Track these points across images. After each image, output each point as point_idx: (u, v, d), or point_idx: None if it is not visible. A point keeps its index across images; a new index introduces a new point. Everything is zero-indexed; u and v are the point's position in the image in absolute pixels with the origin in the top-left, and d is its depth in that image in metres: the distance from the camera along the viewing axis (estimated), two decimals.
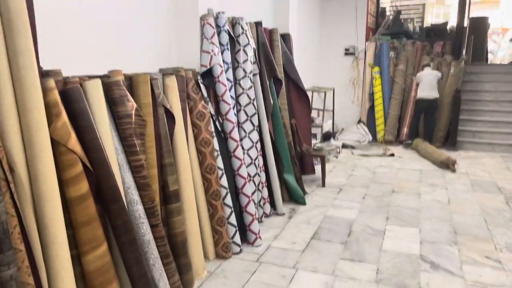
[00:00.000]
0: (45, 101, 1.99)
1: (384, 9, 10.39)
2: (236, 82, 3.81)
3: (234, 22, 3.89)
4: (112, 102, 2.46)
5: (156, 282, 2.46)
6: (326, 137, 7.50)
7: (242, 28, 3.87)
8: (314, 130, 7.08)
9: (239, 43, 3.85)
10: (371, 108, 8.42)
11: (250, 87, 3.87)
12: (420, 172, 6.02)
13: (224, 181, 3.40)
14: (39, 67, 2.08)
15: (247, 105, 3.82)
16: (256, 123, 3.89)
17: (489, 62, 10.85)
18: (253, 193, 3.76)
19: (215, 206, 3.30)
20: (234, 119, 3.60)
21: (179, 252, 2.83)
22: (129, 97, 2.52)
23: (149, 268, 2.44)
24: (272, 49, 4.76)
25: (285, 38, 5.23)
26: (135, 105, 2.54)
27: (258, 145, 3.96)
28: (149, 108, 2.69)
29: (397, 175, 5.83)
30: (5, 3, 1.81)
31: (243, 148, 3.75)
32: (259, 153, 3.98)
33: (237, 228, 3.45)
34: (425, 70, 7.49)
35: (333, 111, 8.19)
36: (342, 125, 8.68)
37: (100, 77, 2.46)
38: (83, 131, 2.18)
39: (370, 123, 8.38)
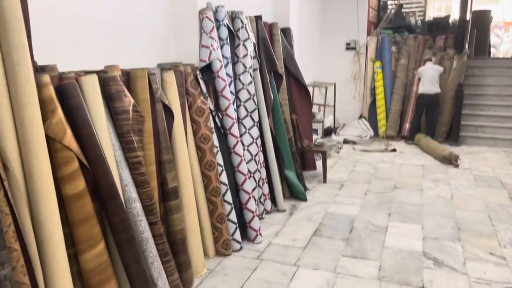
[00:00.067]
0: (40, 96, 1.94)
1: (385, 3, 10.30)
2: (235, 77, 3.76)
3: (233, 16, 3.84)
4: (109, 98, 2.42)
5: (155, 281, 2.42)
6: (327, 132, 7.46)
7: (242, 22, 3.81)
8: (315, 126, 7.04)
9: (238, 38, 3.79)
10: (373, 103, 8.36)
11: (250, 82, 3.81)
12: (423, 167, 5.97)
13: (224, 177, 3.36)
14: (34, 63, 2.04)
15: (247, 100, 3.77)
16: (256, 119, 3.84)
17: (491, 56, 10.76)
18: (253, 190, 3.72)
19: (215, 203, 3.26)
20: (234, 114, 3.55)
21: (178, 249, 2.79)
22: (126, 92, 2.47)
23: (148, 267, 2.40)
24: (272, 44, 4.70)
25: (286, 32, 5.17)
26: (132, 100, 2.49)
27: (259, 141, 3.92)
28: (147, 103, 2.64)
29: (399, 171, 5.78)
30: None
31: (243, 144, 3.71)
32: (259, 149, 3.93)
33: (237, 225, 3.41)
34: (427, 64, 7.41)
35: (334, 106, 8.12)
36: (343, 121, 8.63)
37: (97, 72, 2.41)
38: (79, 128, 2.13)
39: (372, 118, 8.33)
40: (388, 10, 9.65)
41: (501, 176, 5.46)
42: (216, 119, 3.46)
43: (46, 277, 1.91)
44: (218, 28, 3.58)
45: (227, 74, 3.60)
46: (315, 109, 7.57)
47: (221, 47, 3.58)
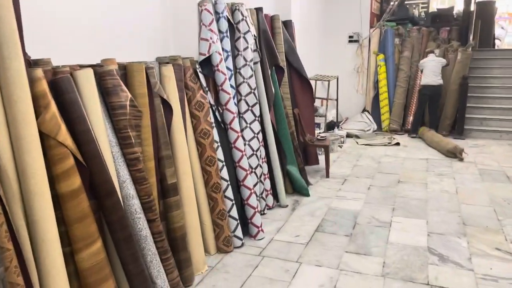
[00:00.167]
0: (33, 92, 1.89)
1: None
2: (236, 70, 3.69)
3: (233, 8, 3.76)
4: (105, 93, 2.36)
5: (154, 279, 2.38)
6: (330, 126, 7.39)
7: (242, 14, 3.73)
8: (317, 120, 6.98)
9: (239, 30, 3.72)
10: (376, 97, 8.28)
11: (251, 76, 3.74)
12: (427, 161, 5.89)
13: (224, 173, 3.30)
14: (27, 57, 1.98)
15: (248, 94, 3.70)
16: (257, 113, 3.78)
17: (496, 48, 10.62)
18: (254, 185, 3.66)
19: (216, 199, 3.21)
20: (234, 109, 3.48)
21: (178, 247, 2.74)
22: (123, 87, 2.41)
23: (147, 265, 2.36)
24: (273, 37, 4.62)
25: (287, 25, 5.09)
26: (129, 95, 2.43)
27: (260, 136, 3.85)
28: (145, 98, 2.58)
29: (403, 165, 5.71)
30: None
31: (244, 139, 3.64)
32: (261, 144, 3.87)
33: (238, 221, 3.36)
34: (429, 56, 7.35)
35: (337, 100, 8.05)
36: (346, 114, 8.56)
37: (93, 66, 2.35)
38: (74, 123, 2.08)
39: (375, 112, 8.25)
40: (391, 2, 9.51)
41: (507, 170, 5.38)
42: (216, 113, 3.40)
43: (41, 277, 1.86)
44: (217, 20, 3.50)
45: (227, 68, 3.53)
46: (317, 103, 7.50)
47: (221, 40, 3.50)
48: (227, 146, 3.46)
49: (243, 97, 3.69)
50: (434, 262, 3.09)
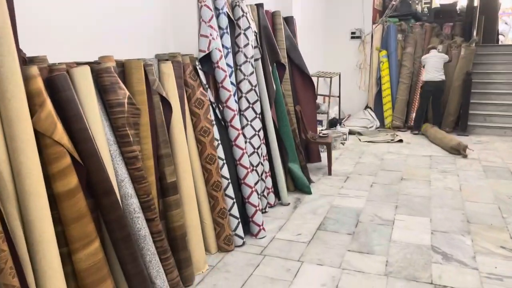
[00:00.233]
0: (27, 90, 1.85)
1: None
2: (236, 67, 3.64)
3: (233, 4, 3.71)
4: (103, 90, 2.32)
5: (153, 279, 2.34)
6: (332, 123, 7.34)
7: (242, 10, 3.68)
8: (320, 117, 6.93)
9: (239, 27, 3.67)
10: (379, 93, 8.21)
11: (252, 73, 3.70)
12: (430, 158, 5.84)
13: (225, 171, 3.26)
14: (22, 54, 1.95)
15: (248, 91, 3.66)
16: (258, 111, 3.73)
17: (500, 43, 10.53)
18: (256, 183, 3.62)
19: (216, 198, 3.17)
20: (235, 106, 3.44)
21: (178, 246, 2.71)
22: (121, 84, 2.37)
23: (146, 265, 2.32)
24: (274, 33, 4.57)
25: (289, 21, 5.04)
26: (127, 93, 2.39)
27: (261, 133, 3.81)
28: (143, 95, 2.54)
29: (406, 162, 5.65)
30: None
31: (244, 136, 3.60)
32: (262, 142, 3.83)
33: (239, 220, 3.32)
34: (431, 52, 7.29)
35: (339, 97, 7.99)
36: (348, 111, 8.50)
37: (90, 63, 2.31)
38: (70, 122, 2.04)
39: (378, 109, 8.18)
40: None
41: (511, 166, 5.32)
42: (217, 111, 3.36)
43: (37, 278, 1.83)
44: (217, 16, 3.45)
45: (228, 65, 3.48)
46: (319, 100, 7.45)
47: (221, 37, 3.46)
48: (228, 144, 3.42)
49: (243, 94, 3.64)
50: (438, 260, 3.05)
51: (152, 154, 2.58)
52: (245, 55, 3.64)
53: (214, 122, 3.24)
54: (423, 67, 7.40)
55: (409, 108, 7.95)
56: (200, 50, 3.29)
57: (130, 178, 2.36)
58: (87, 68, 2.19)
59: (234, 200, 3.31)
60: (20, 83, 1.77)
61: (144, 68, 2.57)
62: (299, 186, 4.51)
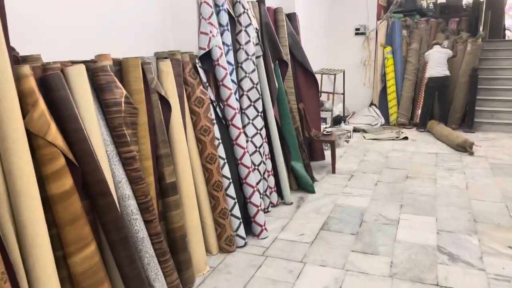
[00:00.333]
0: (19, 89, 1.80)
1: None
2: (237, 65, 3.58)
3: (234, 1, 3.64)
4: (99, 89, 2.26)
5: (151, 282, 2.29)
6: (337, 121, 7.26)
7: (243, 7, 3.62)
8: (324, 114, 6.85)
9: (240, 24, 3.61)
10: (383, 90, 8.12)
11: (253, 70, 3.63)
12: (436, 155, 5.75)
13: (226, 171, 3.20)
14: (14, 53, 1.90)
15: (250, 89, 3.60)
16: (260, 109, 3.67)
17: (506, 38, 10.38)
18: (257, 183, 3.57)
19: (217, 198, 3.11)
20: (236, 104, 3.38)
21: (178, 248, 2.66)
22: (118, 83, 2.32)
23: (144, 268, 2.27)
24: (276, 30, 4.50)
25: (291, 18, 4.97)
26: (124, 92, 2.34)
27: (263, 132, 3.75)
28: (141, 94, 2.49)
29: (411, 160, 5.57)
30: None
31: (246, 135, 3.55)
32: (264, 140, 3.77)
33: (241, 220, 3.27)
34: (434, 48, 7.20)
35: (343, 94, 7.91)
36: (353, 109, 8.41)
37: (86, 62, 2.26)
38: (65, 121, 1.99)
39: (382, 106, 8.09)
40: None
41: None
42: (217, 109, 3.30)
43: (30, 283, 1.78)
44: (217, 13, 3.40)
45: (228, 62, 3.42)
46: (323, 97, 7.38)
47: (221, 34, 3.40)
48: (229, 143, 3.37)
49: (245, 92, 3.58)
50: (444, 261, 2.98)
51: (151, 154, 2.53)
52: (246, 52, 3.58)
53: (214, 121, 3.18)
54: (427, 63, 7.31)
55: (414, 105, 7.86)
56: (200, 48, 3.23)
57: (127, 179, 2.31)
58: (82, 67, 2.14)
59: (236, 200, 3.25)
60: (12, 83, 1.72)
61: (142, 67, 2.52)
62: (303, 185, 4.45)
